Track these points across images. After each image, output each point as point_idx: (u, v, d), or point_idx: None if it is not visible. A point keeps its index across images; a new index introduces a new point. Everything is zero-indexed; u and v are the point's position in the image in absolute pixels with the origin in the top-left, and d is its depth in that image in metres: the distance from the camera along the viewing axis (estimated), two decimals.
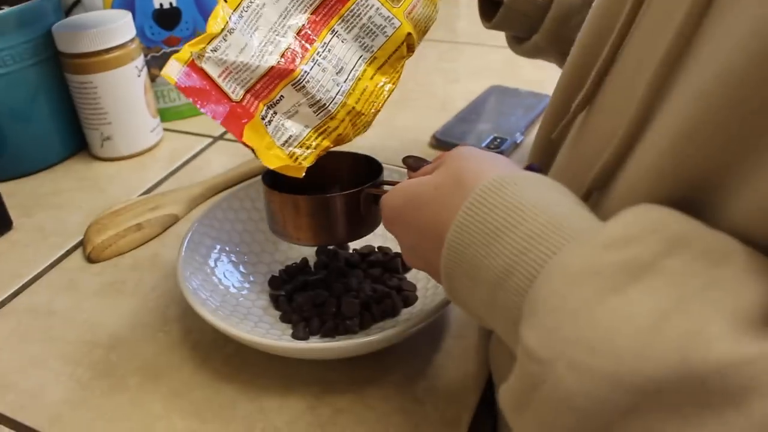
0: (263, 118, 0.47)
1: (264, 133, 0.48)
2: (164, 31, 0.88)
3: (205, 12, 0.88)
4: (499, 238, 0.32)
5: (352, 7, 0.49)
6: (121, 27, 0.78)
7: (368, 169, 0.54)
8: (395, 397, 0.49)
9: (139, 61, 0.81)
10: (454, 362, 0.52)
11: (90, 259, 0.66)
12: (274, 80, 0.48)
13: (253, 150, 0.48)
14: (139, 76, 0.81)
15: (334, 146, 0.51)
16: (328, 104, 0.48)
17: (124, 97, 0.81)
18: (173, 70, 0.46)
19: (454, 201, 0.36)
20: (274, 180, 0.52)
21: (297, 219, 0.50)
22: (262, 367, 0.52)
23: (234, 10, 0.47)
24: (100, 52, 0.77)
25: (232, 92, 0.47)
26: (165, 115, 0.91)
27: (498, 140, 0.79)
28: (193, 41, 0.47)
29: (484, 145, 0.78)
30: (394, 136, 0.83)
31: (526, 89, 0.91)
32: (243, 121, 0.47)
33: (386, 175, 0.54)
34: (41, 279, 0.64)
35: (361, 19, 0.49)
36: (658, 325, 0.25)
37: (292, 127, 0.48)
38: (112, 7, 0.85)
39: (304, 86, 0.47)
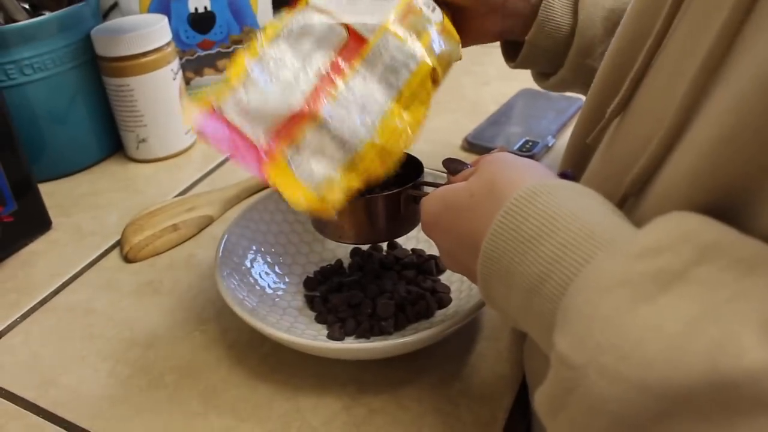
0: (289, 161, 0.47)
1: (290, 174, 0.47)
2: (199, 34, 0.89)
3: (238, 16, 0.89)
4: (534, 246, 0.33)
5: (373, 48, 0.49)
6: (158, 31, 0.80)
7: (408, 166, 0.54)
8: (430, 398, 0.49)
9: (175, 64, 0.83)
10: (488, 364, 0.52)
11: (127, 259, 0.67)
12: (296, 123, 0.47)
13: (280, 192, 0.47)
14: (174, 79, 0.83)
15: (365, 188, 0.49)
16: (353, 143, 0.47)
17: (159, 100, 0.82)
18: (194, 116, 0.47)
19: (489, 209, 0.37)
20: None
21: (339, 218, 0.51)
22: (298, 367, 0.52)
23: (255, 59, 0.48)
24: (137, 55, 0.79)
25: (255, 137, 0.47)
26: None
27: (530, 143, 0.79)
28: (214, 89, 0.47)
29: (515, 148, 0.78)
30: (426, 139, 0.82)
31: (557, 92, 0.91)
32: (267, 164, 0.47)
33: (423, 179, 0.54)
34: (80, 278, 0.66)
35: (383, 57, 0.49)
36: (688, 332, 0.25)
37: (319, 169, 0.47)
38: (149, 11, 0.86)
39: (327, 127, 0.47)
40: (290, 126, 0.47)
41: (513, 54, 0.65)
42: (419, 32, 0.51)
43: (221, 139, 0.47)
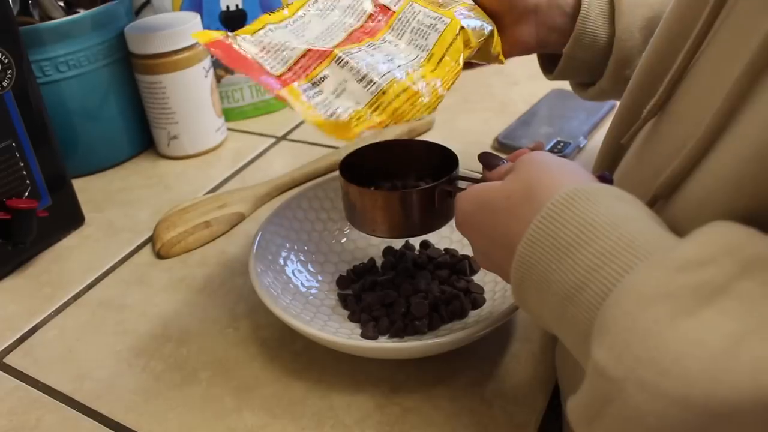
0: (304, 92, 0.45)
1: (305, 103, 0.45)
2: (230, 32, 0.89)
3: None
4: (571, 254, 0.33)
5: (399, 16, 0.50)
6: (190, 29, 0.80)
7: (444, 160, 0.54)
8: (463, 399, 0.49)
9: (206, 62, 0.83)
10: (522, 365, 0.52)
11: (159, 255, 0.67)
12: (315, 59, 0.46)
13: (291, 105, 0.45)
14: (206, 76, 0.83)
15: (392, 122, 0.46)
16: (376, 78, 0.46)
17: (191, 97, 0.82)
18: (206, 38, 0.46)
19: (525, 213, 0.36)
20: (350, 172, 0.53)
21: (373, 212, 0.51)
22: (331, 365, 0.52)
23: (276, 23, 0.49)
24: (169, 53, 0.79)
25: (271, 68, 0.46)
26: (229, 115, 0.93)
27: (561, 144, 0.79)
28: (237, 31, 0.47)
29: (547, 148, 0.78)
30: (457, 139, 0.83)
31: None
32: (283, 87, 0.45)
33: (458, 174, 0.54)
34: (113, 273, 0.66)
35: (411, 24, 0.49)
36: (731, 349, 0.25)
37: (341, 103, 0.45)
38: (181, 9, 0.87)
39: (347, 63, 0.46)
40: (308, 63, 0.46)
41: (550, 66, 0.65)
42: (445, 5, 0.51)
43: (236, 59, 0.45)
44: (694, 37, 0.38)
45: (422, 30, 0.49)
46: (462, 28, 0.50)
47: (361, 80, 0.46)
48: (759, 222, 0.28)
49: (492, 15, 0.57)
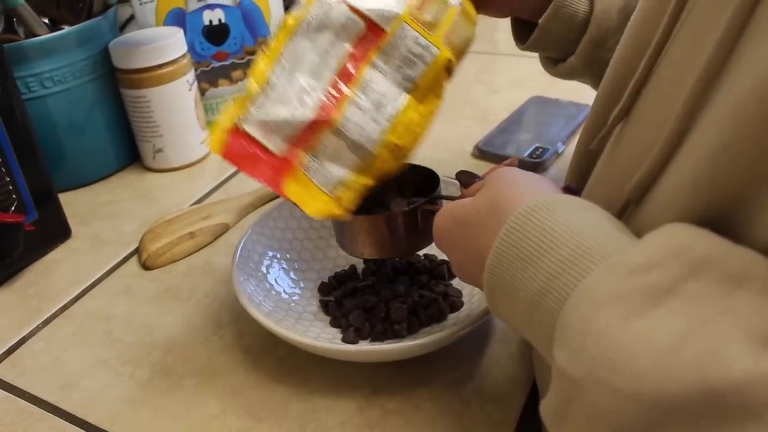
0: (307, 168, 0.49)
1: (307, 181, 0.49)
2: (213, 46, 0.91)
3: (252, 28, 0.91)
4: (533, 263, 0.34)
5: (390, 40, 0.50)
6: (174, 43, 0.81)
7: (425, 179, 0.55)
8: (443, 399, 0.50)
9: (190, 75, 0.84)
10: (500, 365, 0.53)
11: (145, 266, 0.68)
12: (314, 131, 0.49)
13: (296, 204, 0.49)
14: (190, 90, 0.84)
15: (377, 184, 0.51)
16: (369, 147, 0.49)
17: (175, 111, 0.84)
18: (217, 139, 0.49)
19: (492, 227, 0.38)
20: None
21: (361, 236, 0.53)
22: (313, 370, 0.53)
23: (274, 63, 0.49)
24: (154, 67, 0.80)
25: (276, 148, 0.49)
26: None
27: (540, 150, 0.80)
28: (236, 104, 0.49)
29: (526, 154, 0.79)
30: (438, 146, 0.85)
31: (566, 99, 0.92)
32: (286, 174, 0.49)
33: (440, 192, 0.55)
34: (99, 285, 0.67)
35: (400, 50, 0.50)
36: (677, 345, 0.26)
37: (336, 171, 0.49)
38: (165, 24, 0.88)
39: (344, 132, 0.49)
40: (308, 134, 0.49)
41: (524, 36, 0.64)
42: (437, 21, 0.51)
43: (244, 159, 0.49)
44: (655, 43, 0.39)
45: (410, 60, 0.50)
46: (449, 59, 0.51)
47: (354, 149, 0.49)
48: (717, 223, 0.29)
49: None
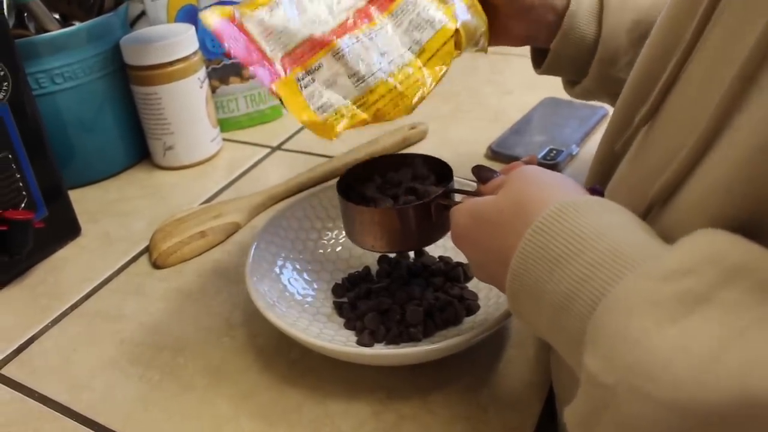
0: (299, 81, 0.48)
1: (297, 92, 0.48)
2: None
3: None
4: (562, 265, 0.33)
5: (401, 4, 0.51)
6: (185, 40, 0.81)
7: (438, 172, 0.55)
8: (459, 404, 0.49)
9: (201, 72, 0.84)
10: (516, 371, 0.52)
11: (156, 265, 0.68)
12: (314, 48, 0.48)
13: (281, 99, 0.48)
14: (201, 87, 0.84)
15: (373, 122, 0.50)
16: (367, 77, 0.49)
17: (186, 108, 0.83)
18: (214, 18, 0.47)
19: (517, 227, 0.37)
20: (349, 189, 0.54)
21: (372, 228, 0.52)
22: (327, 373, 0.53)
23: None
24: (165, 64, 0.80)
25: (270, 51, 0.48)
26: (224, 125, 0.94)
27: (554, 152, 0.79)
28: (241, 3, 0.48)
29: (540, 157, 0.78)
30: (450, 147, 0.84)
31: (580, 101, 0.91)
32: (276, 77, 0.48)
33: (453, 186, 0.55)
34: (109, 283, 0.67)
35: (410, 14, 0.51)
36: (715, 354, 0.26)
37: (330, 96, 0.48)
38: (176, 20, 0.88)
39: (343, 56, 0.48)
40: (307, 51, 0.48)
41: (540, 61, 0.66)
42: (445, 2, 0.53)
43: (237, 44, 0.47)
44: (686, 43, 0.39)
45: (420, 23, 0.51)
46: (456, 30, 0.52)
47: (352, 76, 0.48)
48: (749, 228, 0.29)
49: (488, 6, 0.58)
